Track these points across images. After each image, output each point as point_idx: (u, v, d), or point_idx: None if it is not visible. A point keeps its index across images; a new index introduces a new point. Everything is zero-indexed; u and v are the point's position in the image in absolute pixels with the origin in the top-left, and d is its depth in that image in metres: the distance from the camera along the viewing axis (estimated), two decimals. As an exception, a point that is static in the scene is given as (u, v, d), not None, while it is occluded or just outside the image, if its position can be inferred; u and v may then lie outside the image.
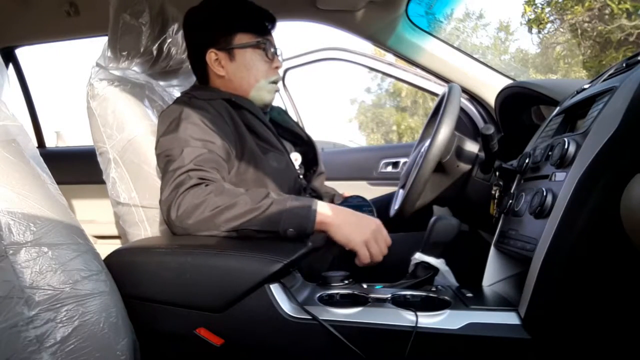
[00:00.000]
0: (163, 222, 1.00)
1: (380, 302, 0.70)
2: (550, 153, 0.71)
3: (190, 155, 0.86)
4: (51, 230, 0.67)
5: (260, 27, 1.05)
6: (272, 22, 1.09)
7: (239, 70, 1.04)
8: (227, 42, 1.03)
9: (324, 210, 0.82)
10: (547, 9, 8.20)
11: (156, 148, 0.94)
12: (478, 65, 1.53)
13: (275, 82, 1.08)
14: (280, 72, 1.74)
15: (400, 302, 0.69)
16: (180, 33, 1.11)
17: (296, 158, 1.12)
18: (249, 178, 0.97)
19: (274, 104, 1.17)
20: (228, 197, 0.79)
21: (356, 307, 0.68)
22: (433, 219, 0.82)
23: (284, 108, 1.24)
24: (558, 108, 0.87)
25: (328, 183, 1.24)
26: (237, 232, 0.79)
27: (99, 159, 1.05)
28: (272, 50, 1.06)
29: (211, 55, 1.04)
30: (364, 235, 0.82)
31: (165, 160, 0.88)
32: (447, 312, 0.66)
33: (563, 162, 0.65)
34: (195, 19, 1.05)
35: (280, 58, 1.09)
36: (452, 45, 1.53)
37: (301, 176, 1.12)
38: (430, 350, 0.65)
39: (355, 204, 0.99)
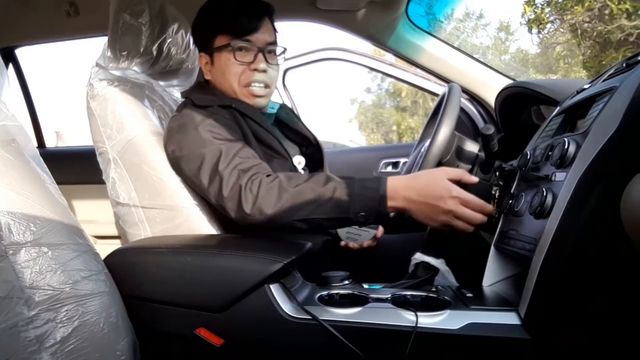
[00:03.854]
0: (163, 222, 1.00)
1: (380, 302, 0.70)
2: (550, 153, 0.71)
3: (229, 152, 0.85)
4: (51, 230, 0.67)
5: (239, 27, 0.97)
6: (260, 17, 0.99)
7: (217, 75, 1.02)
8: (209, 45, 1.01)
9: (393, 194, 0.76)
10: (547, 9, 8.19)
11: (179, 150, 0.91)
12: (478, 65, 1.53)
13: (253, 85, 1.00)
14: (280, 72, 1.72)
15: (400, 302, 0.69)
16: (180, 33, 1.11)
17: (299, 161, 1.11)
18: None
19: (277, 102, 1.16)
20: (296, 186, 0.78)
21: (356, 307, 0.68)
22: (433, 219, 0.82)
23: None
24: (558, 108, 0.87)
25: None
26: (308, 222, 0.78)
27: (99, 159, 1.05)
28: (254, 52, 0.98)
29: (202, 60, 1.04)
30: (439, 219, 0.75)
31: (200, 163, 0.86)
32: (447, 312, 0.66)
33: (563, 162, 0.65)
34: (194, 21, 1.05)
35: (267, 57, 1.00)
36: (452, 45, 1.53)
37: None
38: (430, 351, 0.65)
39: None
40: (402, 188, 0.76)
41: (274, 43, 1.03)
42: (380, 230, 1.02)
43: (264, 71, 1.00)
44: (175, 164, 0.93)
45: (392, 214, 0.76)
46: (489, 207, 0.73)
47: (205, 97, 1.00)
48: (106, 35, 1.03)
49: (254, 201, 0.79)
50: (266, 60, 1.00)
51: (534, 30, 8.67)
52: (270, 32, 1.02)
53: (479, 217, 0.74)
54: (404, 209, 0.76)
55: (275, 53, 1.04)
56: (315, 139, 1.15)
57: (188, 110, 0.96)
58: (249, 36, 0.98)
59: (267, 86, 1.02)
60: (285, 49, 1.05)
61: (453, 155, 1.02)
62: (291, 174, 0.82)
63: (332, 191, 0.77)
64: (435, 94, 1.68)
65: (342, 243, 1.03)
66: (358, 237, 1.00)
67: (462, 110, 1.59)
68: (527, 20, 8.53)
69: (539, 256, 0.62)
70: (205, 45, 1.03)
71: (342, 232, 1.00)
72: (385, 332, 0.66)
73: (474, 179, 0.76)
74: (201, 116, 0.93)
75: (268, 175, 0.81)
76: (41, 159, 0.75)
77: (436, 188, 0.74)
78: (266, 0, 1.02)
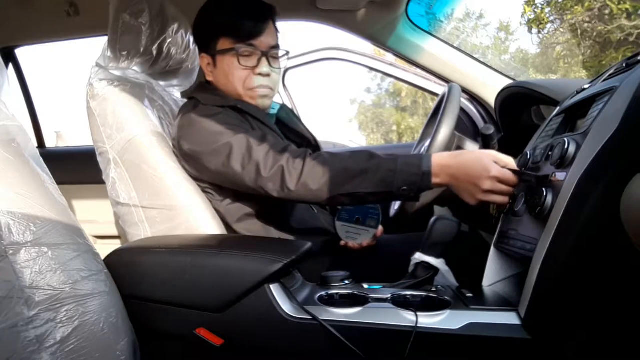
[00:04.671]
0: (163, 222, 1.00)
1: (380, 302, 0.70)
2: (550, 153, 0.71)
3: (255, 138, 0.87)
4: (51, 230, 0.67)
5: (244, 31, 0.97)
6: (265, 21, 0.99)
7: (220, 77, 1.02)
8: (212, 47, 1.01)
9: (438, 170, 0.79)
10: (547, 9, 8.19)
11: (195, 147, 0.92)
12: (478, 65, 1.53)
13: (257, 89, 1.00)
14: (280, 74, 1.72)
15: (400, 302, 0.69)
16: (180, 33, 1.11)
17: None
18: None
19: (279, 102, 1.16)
20: (340, 161, 0.82)
21: (356, 307, 0.68)
22: (433, 219, 0.82)
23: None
24: (558, 108, 0.87)
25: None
26: (352, 196, 0.81)
27: (99, 159, 1.05)
28: (258, 56, 0.98)
29: (203, 60, 1.04)
30: (477, 197, 0.78)
31: (229, 152, 0.87)
32: (447, 312, 0.66)
33: (563, 162, 0.65)
34: (195, 21, 1.05)
35: (271, 62, 1.00)
36: (452, 45, 1.53)
37: None
38: (430, 351, 0.65)
39: (363, 207, 0.99)
40: (445, 165, 0.80)
41: (277, 46, 1.03)
42: (380, 229, 1.02)
43: (268, 75, 1.00)
44: (194, 160, 0.93)
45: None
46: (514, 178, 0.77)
47: (210, 97, 1.00)
48: (106, 35, 1.03)
49: (298, 178, 0.82)
50: (269, 64, 1.00)
51: (534, 30, 8.67)
52: (273, 35, 1.02)
53: (512, 190, 0.78)
54: (447, 184, 0.80)
55: (277, 56, 1.04)
56: (315, 139, 1.16)
57: (197, 109, 0.96)
58: (252, 40, 0.98)
59: (270, 89, 1.03)
60: (287, 52, 1.05)
61: (453, 155, 1.02)
62: (333, 151, 0.85)
63: (376, 167, 0.80)
64: (435, 94, 1.68)
65: (342, 243, 1.03)
66: (357, 236, 1.00)
67: (462, 110, 1.59)
68: (527, 20, 8.53)
69: (539, 256, 0.62)
70: (207, 46, 1.02)
71: (341, 231, 1.00)
72: (385, 332, 0.66)
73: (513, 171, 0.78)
74: (212, 113, 0.93)
75: (311, 153, 0.85)
76: (41, 159, 0.75)
77: (477, 167, 0.77)
78: (266, 0, 1.02)
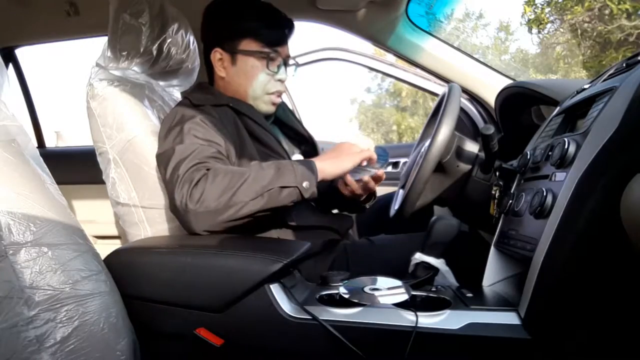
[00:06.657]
0: (163, 222, 1.00)
1: (380, 302, 0.70)
2: (550, 153, 0.71)
3: (198, 153, 0.86)
4: (51, 230, 0.67)
5: (271, 37, 1.02)
6: (288, 32, 1.05)
7: (237, 75, 1.03)
8: (233, 44, 1.01)
9: (317, 161, 0.89)
10: (547, 9, 8.20)
11: (160, 149, 0.93)
12: (478, 65, 1.53)
13: (274, 94, 1.06)
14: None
15: (400, 302, 0.69)
16: (180, 33, 1.11)
17: (298, 159, 1.12)
18: None
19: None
20: (238, 174, 0.81)
21: (356, 307, 0.68)
22: (433, 219, 0.82)
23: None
24: (558, 108, 0.87)
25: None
26: (263, 196, 0.81)
27: (99, 159, 1.05)
28: (279, 63, 1.04)
29: (215, 54, 1.04)
30: (350, 161, 0.90)
31: (171, 160, 0.87)
32: (447, 312, 0.66)
33: (563, 162, 0.65)
34: (210, 13, 1.05)
35: (287, 70, 1.06)
36: (452, 45, 1.53)
37: None
38: (430, 350, 0.65)
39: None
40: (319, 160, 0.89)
41: (289, 56, 1.08)
42: (383, 172, 1.01)
43: (283, 82, 1.06)
44: (157, 163, 0.94)
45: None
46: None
47: (203, 96, 1.00)
48: (106, 35, 1.03)
49: (195, 201, 0.79)
50: (286, 72, 1.06)
51: (534, 30, 8.67)
52: (288, 45, 1.07)
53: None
54: (324, 169, 0.88)
55: (289, 65, 1.09)
56: (310, 135, 1.17)
57: (180, 107, 0.97)
58: (279, 47, 1.03)
59: (280, 95, 1.08)
60: (297, 63, 1.11)
61: (453, 155, 1.02)
62: (230, 167, 0.87)
63: (277, 167, 0.84)
64: (435, 94, 1.68)
65: (348, 178, 1.02)
66: (358, 175, 0.99)
67: (462, 110, 1.59)
68: (527, 20, 8.54)
69: (539, 256, 0.62)
70: (226, 43, 1.02)
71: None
72: (385, 332, 0.66)
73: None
74: (191, 112, 0.94)
75: (209, 170, 0.83)
76: (41, 159, 0.75)
77: (334, 149, 0.93)
78: (267, 0, 1.03)
